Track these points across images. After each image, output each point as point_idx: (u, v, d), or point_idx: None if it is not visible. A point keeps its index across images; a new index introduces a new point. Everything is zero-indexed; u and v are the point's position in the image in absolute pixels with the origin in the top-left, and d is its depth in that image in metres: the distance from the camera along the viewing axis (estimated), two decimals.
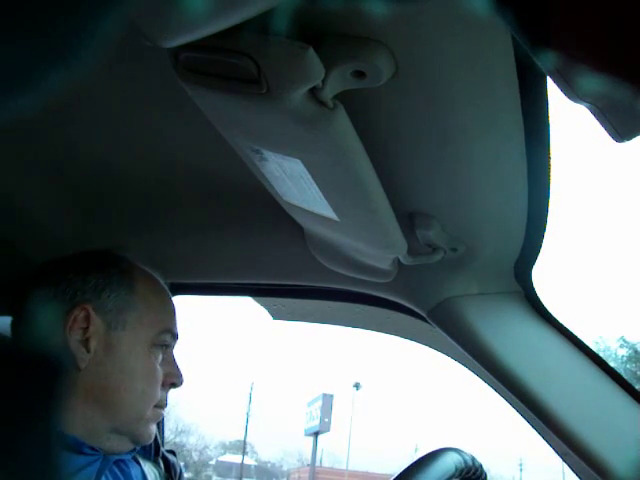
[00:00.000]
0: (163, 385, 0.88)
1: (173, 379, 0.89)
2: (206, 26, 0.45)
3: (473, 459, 0.80)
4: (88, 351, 0.82)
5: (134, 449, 0.88)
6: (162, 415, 0.89)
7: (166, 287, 0.95)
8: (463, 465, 0.77)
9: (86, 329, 0.83)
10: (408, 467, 0.74)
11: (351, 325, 1.27)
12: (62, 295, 0.85)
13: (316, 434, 17.73)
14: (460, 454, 0.79)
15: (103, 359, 0.83)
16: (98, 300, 0.85)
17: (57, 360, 0.23)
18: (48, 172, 0.94)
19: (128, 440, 0.85)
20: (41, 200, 0.99)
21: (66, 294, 0.85)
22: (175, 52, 0.54)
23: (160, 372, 0.87)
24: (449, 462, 0.75)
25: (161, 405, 0.88)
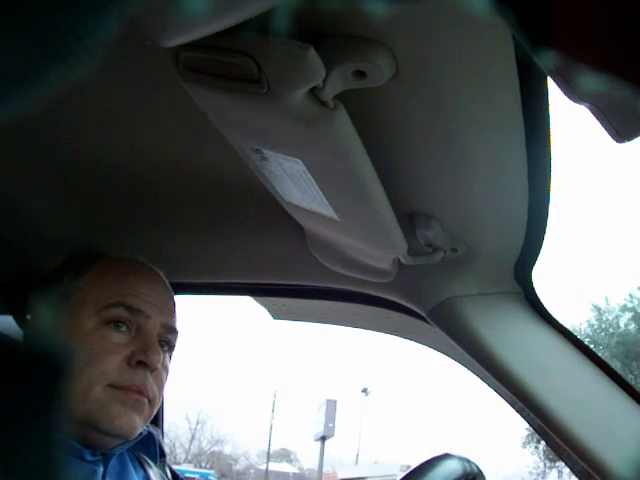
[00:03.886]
0: (130, 365, 0.81)
1: (139, 357, 0.82)
2: (207, 25, 0.45)
3: (474, 465, 0.80)
4: None
5: (123, 444, 0.83)
6: (132, 398, 0.81)
7: (141, 265, 0.91)
8: (463, 472, 0.77)
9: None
10: (408, 474, 0.74)
11: (351, 325, 1.27)
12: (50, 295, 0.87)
13: (323, 439, 17.91)
14: (461, 461, 0.79)
15: None
16: (53, 294, 0.86)
17: (54, 357, 0.23)
18: (48, 172, 0.94)
19: (91, 429, 0.79)
20: (41, 200, 0.99)
21: (48, 296, 0.87)
22: (176, 51, 0.54)
23: (113, 350, 0.81)
24: (450, 468, 0.75)
25: (125, 386, 0.80)
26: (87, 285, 0.86)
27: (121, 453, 0.86)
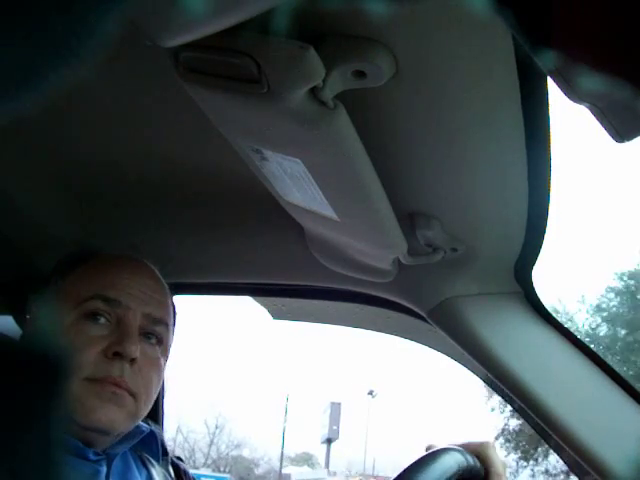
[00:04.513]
0: (106, 357, 0.79)
1: (115, 348, 0.79)
2: (207, 25, 0.45)
3: (474, 459, 0.80)
4: None
5: (120, 443, 0.83)
6: (108, 390, 0.78)
7: (129, 258, 0.89)
8: (464, 465, 0.77)
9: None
10: (409, 466, 0.74)
11: (351, 325, 1.27)
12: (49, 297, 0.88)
13: (329, 441, 18.00)
14: (462, 454, 0.78)
15: None
16: (43, 293, 0.87)
17: (54, 357, 0.23)
18: (48, 172, 0.94)
19: (72, 424, 0.77)
20: (41, 200, 0.99)
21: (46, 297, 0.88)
22: (176, 51, 0.54)
23: (89, 343, 0.79)
24: (450, 461, 0.74)
25: (97, 378, 0.78)
26: (71, 282, 0.85)
27: (124, 452, 0.86)
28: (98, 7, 0.16)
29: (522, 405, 0.88)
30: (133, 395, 0.81)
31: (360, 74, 0.53)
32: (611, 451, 0.81)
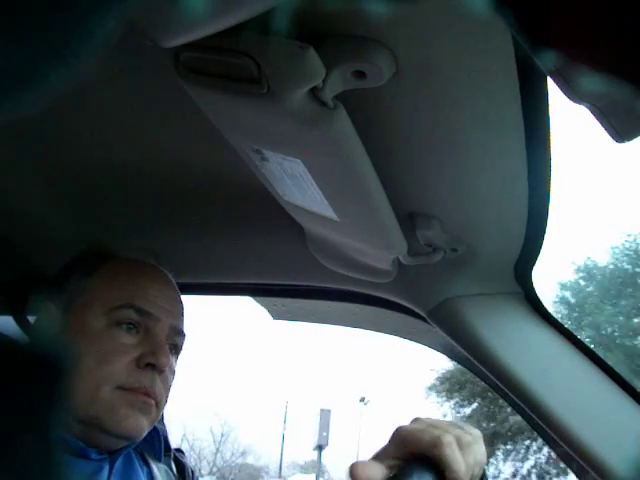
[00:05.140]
0: (139, 366, 0.82)
1: (148, 359, 0.82)
2: (207, 26, 0.45)
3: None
4: None
5: (129, 445, 0.84)
6: (139, 400, 0.81)
7: (149, 266, 0.91)
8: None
9: (53, 322, 0.84)
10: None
11: (351, 325, 1.27)
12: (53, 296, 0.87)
13: (320, 448, 18.09)
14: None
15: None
16: (58, 292, 0.86)
17: (55, 358, 0.23)
18: (48, 172, 0.94)
19: (97, 430, 0.79)
20: (41, 200, 0.99)
21: (55, 296, 0.87)
22: (176, 52, 0.54)
23: (122, 352, 0.81)
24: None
25: (133, 388, 0.81)
26: (95, 285, 0.86)
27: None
28: (98, 8, 0.16)
29: (522, 405, 0.88)
30: (157, 403, 0.84)
31: (360, 74, 0.53)
32: (610, 450, 0.81)
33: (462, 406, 16.11)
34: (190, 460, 0.97)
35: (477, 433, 0.65)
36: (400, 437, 0.62)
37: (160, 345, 0.84)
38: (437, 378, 16.26)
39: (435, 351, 1.20)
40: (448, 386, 16.03)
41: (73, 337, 0.82)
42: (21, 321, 1.06)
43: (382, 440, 0.64)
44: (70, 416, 0.77)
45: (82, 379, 0.78)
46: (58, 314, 0.85)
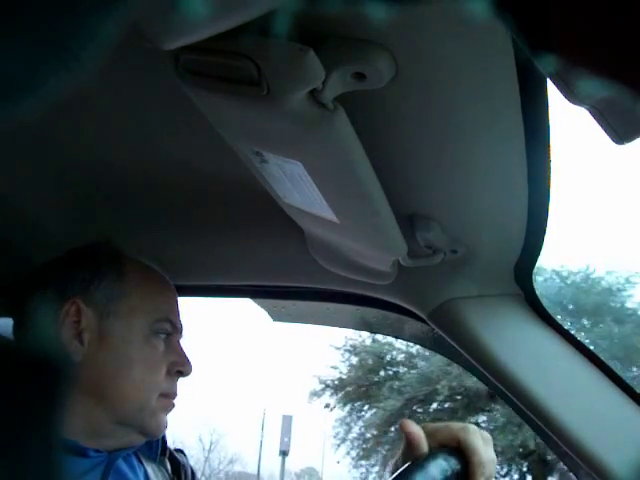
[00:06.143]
0: (170, 374, 0.87)
1: (179, 367, 0.88)
2: (207, 28, 0.45)
3: (457, 460, 0.79)
4: (82, 344, 0.83)
5: (143, 443, 0.88)
6: (172, 405, 0.88)
7: (165, 277, 0.94)
8: (450, 469, 0.76)
9: (78, 323, 0.84)
10: (404, 468, 0.73)
11: (351, 327, 1.27)
12: (52, 294, 0.86)
13: (284, 454, 18.18)
14: (448, 457, 0.77)
15: (98, 350, 0.83)
16: (87, 292, 0.86)
17: (55, 359, 0.23)
18: (48, 172, 0.94)
19: (135, 432, 0.84)
20: (41, 200, 0.99)
21: (56, 292, 0.86)
22: (176, 54, 0.54)
23: (162, 361, 0.86)
24: (441, 466, 0.73)
25: (168, 394, 0.87)
26: (132, 292, 0.88)
27: None
28: (99, 10, 0.16)
29: (522, 407, 0.88)
30: None
31: (360, 76, 0.54)
32: (611, 452, 0.81)
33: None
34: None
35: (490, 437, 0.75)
36: (427, 430, 0.71)
37: (185, 354, 0.89)
38: None
39: (434, 352, 1.19)
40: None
41: (114, 340, 0.84)
42: (21, 322, 1.06)
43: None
44: (106, 417, 0.82)
45: (133, 387, 0.83)
46: (52, 312, 0.85)
